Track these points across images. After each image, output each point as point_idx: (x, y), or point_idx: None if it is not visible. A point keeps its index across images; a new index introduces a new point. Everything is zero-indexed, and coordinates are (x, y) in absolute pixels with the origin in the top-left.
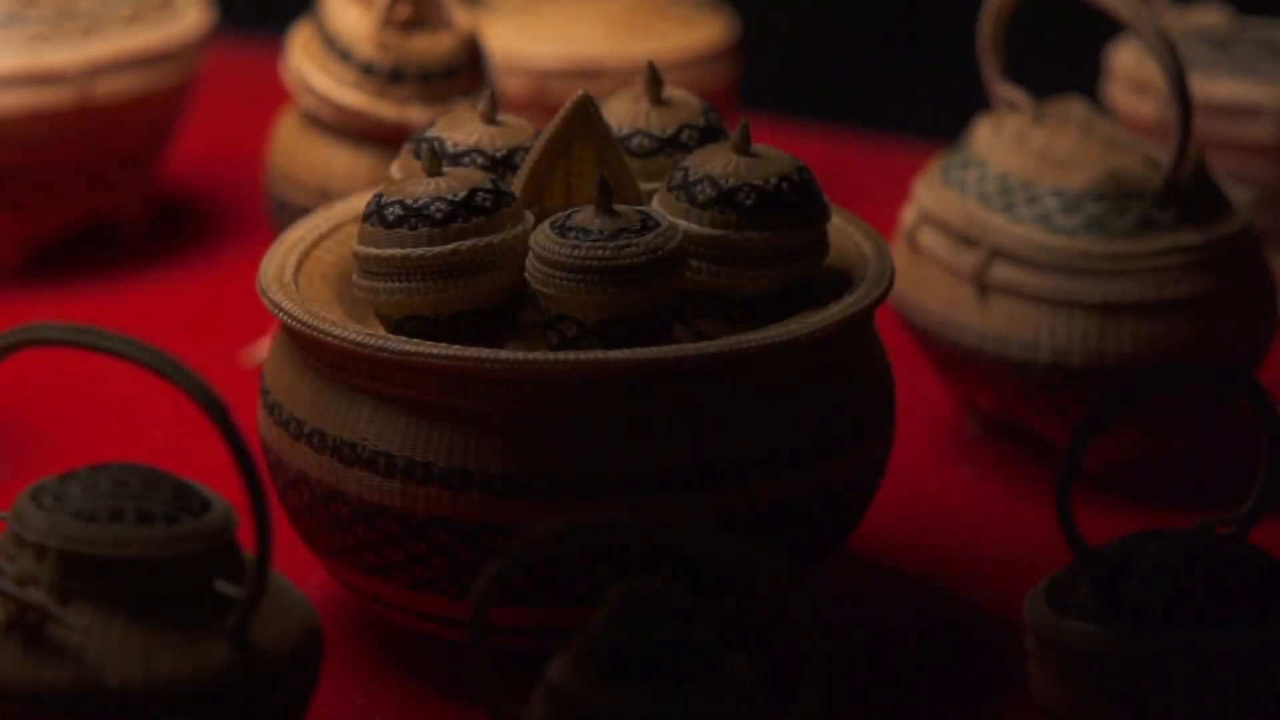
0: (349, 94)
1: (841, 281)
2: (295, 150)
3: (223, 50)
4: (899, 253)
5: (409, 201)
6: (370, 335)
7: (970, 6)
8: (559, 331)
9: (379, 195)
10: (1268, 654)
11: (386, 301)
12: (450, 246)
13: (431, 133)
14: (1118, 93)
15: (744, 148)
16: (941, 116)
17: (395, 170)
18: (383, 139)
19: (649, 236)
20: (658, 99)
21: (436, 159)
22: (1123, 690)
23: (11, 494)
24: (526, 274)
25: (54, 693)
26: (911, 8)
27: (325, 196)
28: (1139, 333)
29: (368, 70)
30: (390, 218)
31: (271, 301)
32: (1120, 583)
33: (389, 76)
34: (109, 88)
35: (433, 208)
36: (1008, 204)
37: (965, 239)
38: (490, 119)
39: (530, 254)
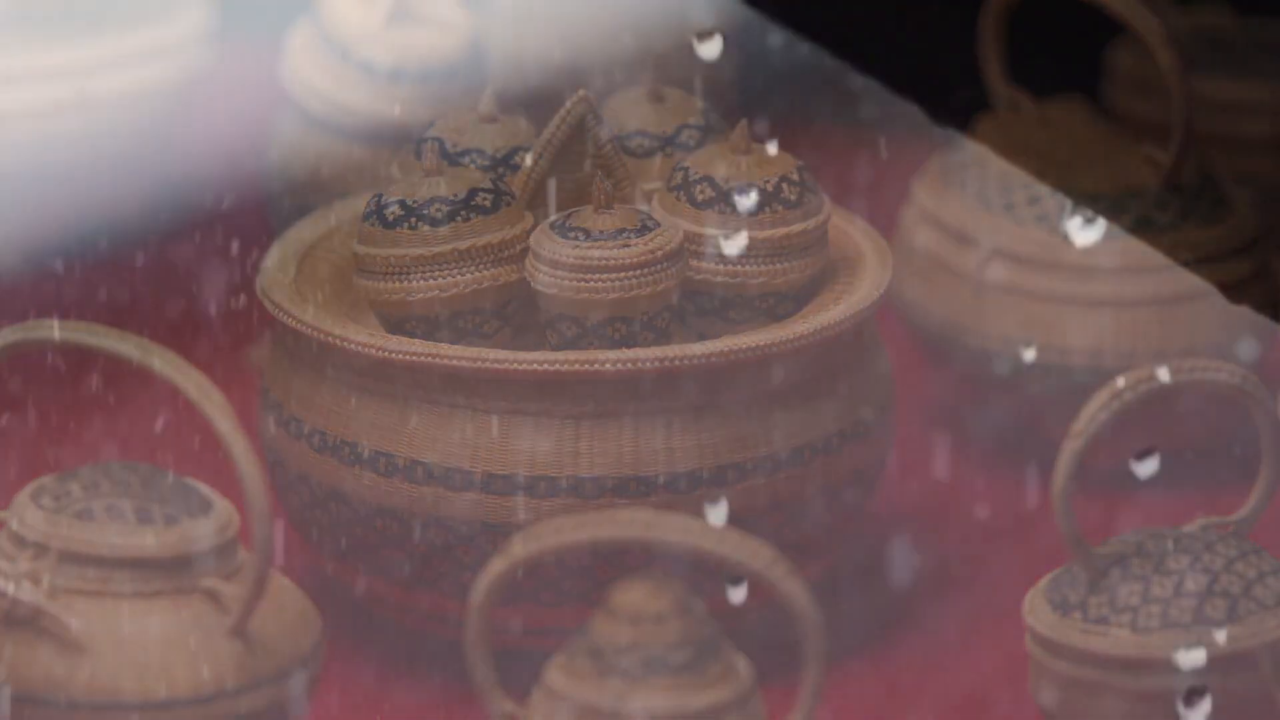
0: (348, 94)
1: (841, 282)
2: (295, 150)
3: (223, 50)
4: (899, 253)
5: (409, 201)
6: (370, 335)
7: (970, 6)
8: (559, 331)
9: (379, 195)
10: (1268, 654)
11: (386, 301)
12: (449, 247)
13: (431, 133)
14: (1118, 93)
15: (744, 148)
16: (941, 117)
17: (395, 170)
18: (382, 139)
19: (649, 236)
20: (657, 99)
21: (436, 159)
22: (1123, 690)
23: (11, 494)
24: (526, 274)
25: (53, 693)
26: (911, 7)
27: (325, 196)
28: (1139, 332)
29: (368, 70)
30: (390, 218)
31: (271, 302)
32: (1121, 583)
33: (389, 76)
34: (108, 86)
35: (432, 208)
36: (1008, 204)
37: (965, 239)
38: (490, 119)
39: (530, 254)
